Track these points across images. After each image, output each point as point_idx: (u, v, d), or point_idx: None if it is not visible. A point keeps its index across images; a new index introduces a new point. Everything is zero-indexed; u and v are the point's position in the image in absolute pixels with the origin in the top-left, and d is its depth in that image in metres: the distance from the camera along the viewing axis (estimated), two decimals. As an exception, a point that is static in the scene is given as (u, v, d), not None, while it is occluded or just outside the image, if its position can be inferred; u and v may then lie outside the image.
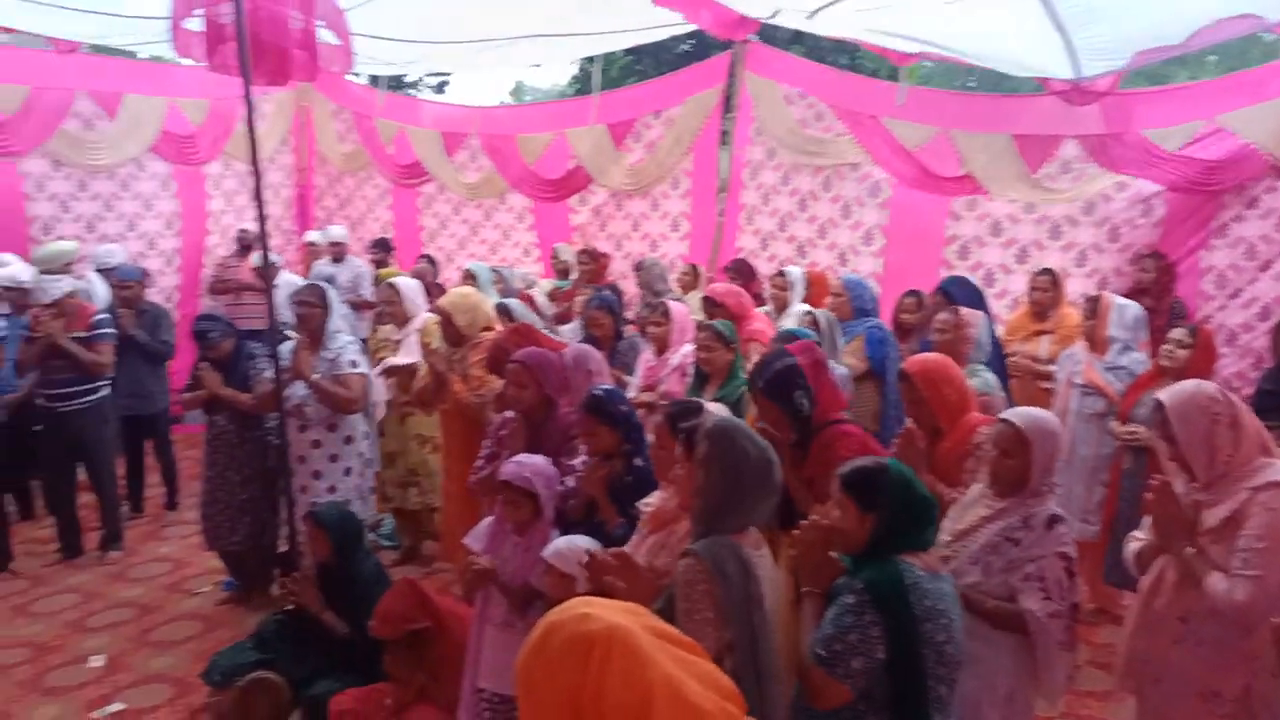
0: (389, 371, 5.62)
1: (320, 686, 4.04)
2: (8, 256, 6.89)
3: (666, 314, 4.97)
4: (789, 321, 5.43)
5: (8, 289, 6.30)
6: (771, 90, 7.63)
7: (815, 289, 6.25)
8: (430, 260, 8.56)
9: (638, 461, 3.47)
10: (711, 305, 5.24)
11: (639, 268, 7.45)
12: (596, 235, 8.68)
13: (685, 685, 1.48)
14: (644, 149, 8.33)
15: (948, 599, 2.42)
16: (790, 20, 6.42)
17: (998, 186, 6.75)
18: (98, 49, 8.53)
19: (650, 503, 3.07)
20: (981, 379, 4.25)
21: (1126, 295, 5.45)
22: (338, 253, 8.70)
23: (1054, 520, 2.88)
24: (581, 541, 3.13)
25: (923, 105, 7.02)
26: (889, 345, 5.35)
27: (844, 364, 5.04)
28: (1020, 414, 3.02)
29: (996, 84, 9.38)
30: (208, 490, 5.30)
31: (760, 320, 5.28)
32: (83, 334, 5.81)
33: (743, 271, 7.18)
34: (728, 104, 7.91)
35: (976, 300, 5.42)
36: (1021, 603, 2.81)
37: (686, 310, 5.22)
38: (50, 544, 6.18)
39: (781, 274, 6.27)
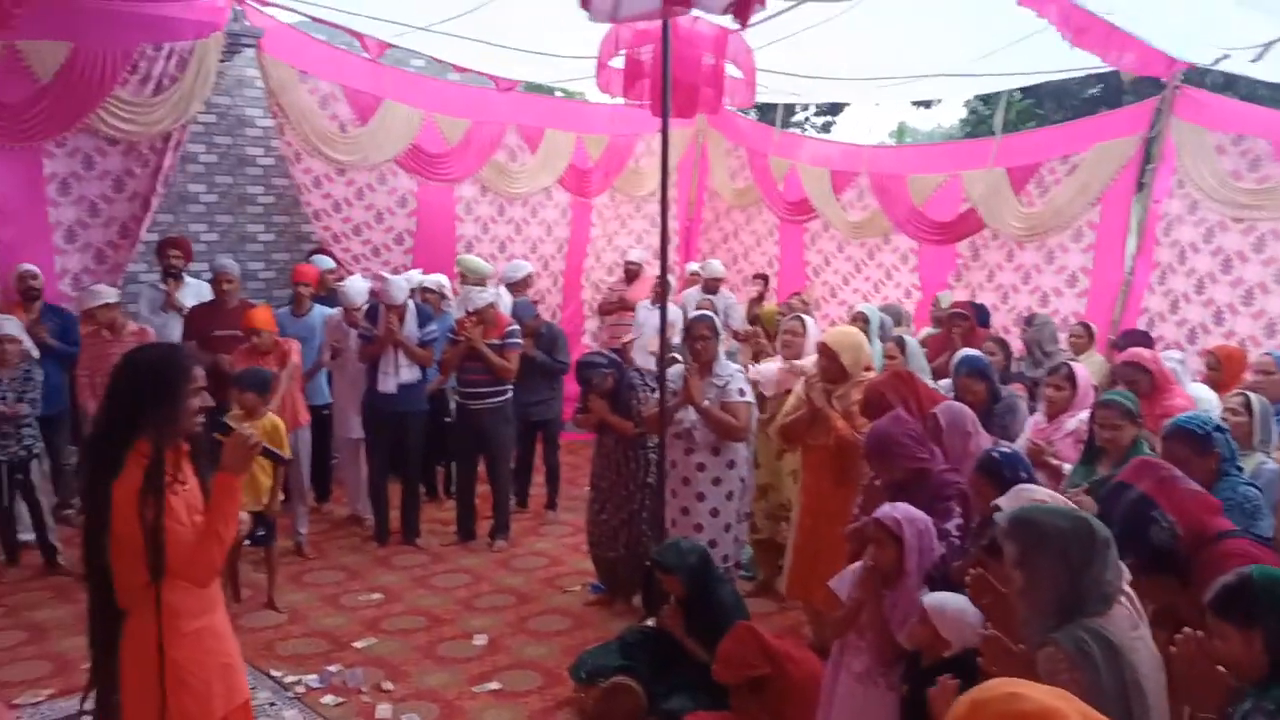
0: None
1: (675, 702, 4.18)
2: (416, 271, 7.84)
3: (1072, 379, 4.59)
4: (1209, 406, 4.74)
5: (430, 291, 7.15)
6: (1200, 137, 6.92)
7: (1229, 368, 5.52)
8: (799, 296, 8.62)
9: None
10: (1135, 370, 4.72)
11: (1029, 323, 7.01)
12: (983, 285, 8.31)
13: None
14: (1044, 196, 7.87)
15: None
16: (1237, 65, 5.78)
17: None
18: (530, 87, 9.48)
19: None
20: None
21: None
22: (711, 285, 9.00)
23: None
24: (969, 606, 2.97)
25: None
26: (1336, 433, 4.61)
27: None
28: None
29: None
30: (596, 500, 5.75)
31: (1184, 398, 4.70)
32: (496, 342, 6.46)
33: (1137, 344, 6.42)
34: (1147, 153, 7.28)
35: None
36: None
37: (1089, 375, 4.83)
38: (449, 526, 6.89)
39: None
